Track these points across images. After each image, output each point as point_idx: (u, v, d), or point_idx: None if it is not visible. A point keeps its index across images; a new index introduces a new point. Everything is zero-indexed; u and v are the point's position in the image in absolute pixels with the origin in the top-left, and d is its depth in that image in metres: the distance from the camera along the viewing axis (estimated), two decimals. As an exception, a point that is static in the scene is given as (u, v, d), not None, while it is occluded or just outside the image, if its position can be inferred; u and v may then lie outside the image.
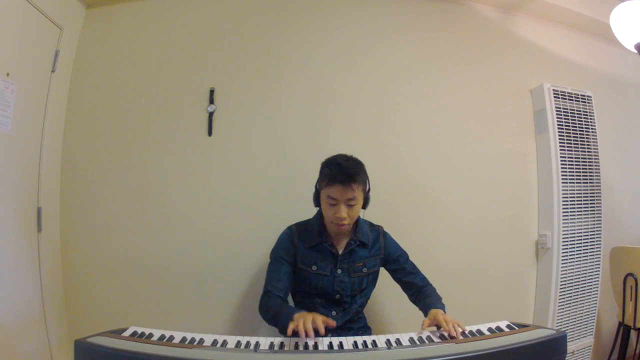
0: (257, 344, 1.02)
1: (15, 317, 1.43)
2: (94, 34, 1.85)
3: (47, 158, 1.65)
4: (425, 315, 1.23)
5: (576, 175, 1.97)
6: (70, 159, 1.77)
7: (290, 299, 1.46)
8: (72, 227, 1.74)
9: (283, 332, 1.12)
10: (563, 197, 1.92)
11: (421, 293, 1.36)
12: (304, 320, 1.03)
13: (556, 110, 1.96)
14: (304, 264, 1.36)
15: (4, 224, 1.43)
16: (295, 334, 1.02)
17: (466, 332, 1.10)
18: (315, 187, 1.35)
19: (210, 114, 1.81)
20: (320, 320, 1.04)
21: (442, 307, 1.26)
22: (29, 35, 1.54)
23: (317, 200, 1.35)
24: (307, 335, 1.00)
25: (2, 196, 1.43)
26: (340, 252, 1.36)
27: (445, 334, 1.08)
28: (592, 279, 1.98)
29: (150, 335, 1.04)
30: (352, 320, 1.41)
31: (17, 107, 1.47)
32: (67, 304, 1.71)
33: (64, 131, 1.77)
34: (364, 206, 1.34)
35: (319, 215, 1.39)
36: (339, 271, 1.36)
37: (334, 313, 1.37)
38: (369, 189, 1.34)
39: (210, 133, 1.80)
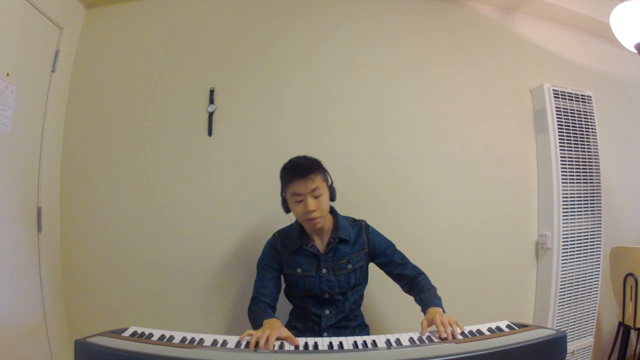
0: (257, 344, 1.02)
1: (16, 317, 1.43)
2: (94, 34, 1.85)
3: (47, 158, 1.65)
4: (423, 311, 1.23)
5: (576, 175, 1.97)
6: (70, 159, 1.77)
7: (285, 303, 1.48)
8: (72, 227, 1.74)
9: None
10: (563, 197, 1.92)
11: (414, 285, 1.35)
12: (259, 336, 1.02)
13: (556, 110, 1.96)
14: (289, 268, 1.38)
15: (4, 224, 1.43)
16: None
17: (465, 332, 1.10)
18: (281, 195, 1.38)
19: (210, 114, 1.81)
20: (272, 339, 1.02)
21: (439, 301, 1.24)
22: (29, 35, 1.54)
23: (286, 207, 1.37)
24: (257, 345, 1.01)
25: (2, 196, 1.43)
26: (322, 251, 1.37)
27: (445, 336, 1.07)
28: (592, 279, 1.98)
29: (150, 335, 1.04)
30: (348, 318, 1.40)
31: (17, 107, 1.47)
32: (67, 304, 1.72)
33: (64, 131, 1.77)
34: (332, 198, 1.36)
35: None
36: (324, 271, 1.36)
37: (327, 312, 1.37)
38: (331, 182, 1.37)
39: (210, 133, 1.80)
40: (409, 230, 1.84)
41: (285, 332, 1.08)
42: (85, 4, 1.85)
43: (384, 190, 1.85)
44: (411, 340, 1.06)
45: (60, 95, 1.75)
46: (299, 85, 1.88)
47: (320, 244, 1.38)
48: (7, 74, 1.43)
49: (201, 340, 1.03)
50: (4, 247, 1.42)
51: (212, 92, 1.82)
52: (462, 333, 1.08)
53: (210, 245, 1.75)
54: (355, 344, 1.05)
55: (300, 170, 1.27)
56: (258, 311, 1.26)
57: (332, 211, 1.40)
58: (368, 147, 1.87)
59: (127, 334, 1.03)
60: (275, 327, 1.08)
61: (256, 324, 1.21)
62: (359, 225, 1.44)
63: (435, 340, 1.06)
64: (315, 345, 1.05)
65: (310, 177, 1.26)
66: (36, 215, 1.60)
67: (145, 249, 1.74)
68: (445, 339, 1.05)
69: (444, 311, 1.20)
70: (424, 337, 1.08)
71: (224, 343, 1.02)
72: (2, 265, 1.40)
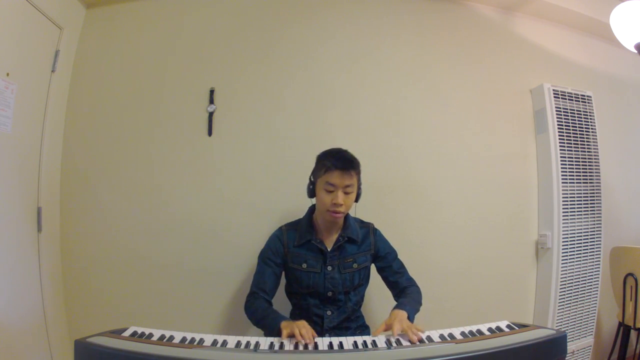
0: (257, 344, 1.02)
1: (15, 317, 1.43)
2: (94, 34, 1.85)
3: (47, 158, 1.65)
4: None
5: (576, 175, 1.97)
6: (70, 159, 1.77)
7: (284, 300, 1.48)
8: (72, 227, 1.74)
9: (268, 335, 1.16)
10: (563, 197, 1.92)
11: (403, 294, 1.36)
12: (299, 327, 1.08)
13: (556, 110, 1.96)
14: (294, 263, 1.38)
15: (4, 224, 1.43)
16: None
17: (466, 331, 1.09)
18: (310, 178, 1.38)
19: (210, 114, 1.81)
20: (310, 332, 1.08)
21: (410, 308, 1.23)
22: (29, 35, 1.54)
23: (311, 191, 1.37)
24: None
25: (2, 196, 1.43)
26: (329, 248, 1.37)
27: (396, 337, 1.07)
28: (592, 279, 1.98)
29: (150, 335, 1.04)
30: (349, 319, 1.41)
31: (17, 107, 1.47)
32: (67, 304, 1.71)
33: (64, 131, 1.77)
34: (357, 199, 1.37)
35: (309, 213, 1.42)
36: (329, 268, 1.36)
37: (328, 312, 1.37)
38: (360, 184, 1.38)
39: (210, 133, 1.80)
40: (409, 230, 1.84)
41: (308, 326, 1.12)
42: (85, 4, 1.85)
43: (384, 191, 1.85)
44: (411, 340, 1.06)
45: (60, 95, 1.75)
46: (299, 86, 1.88)
47: (328, 241, 1.39)
48: (7, 74, 1.43)
49: (201, 340, 1.03)
50: (4, 247, 1.42)
51: (212, 92, 1.82)
52: (462, 333, 1.08)
53: (210, 245, 1.75)
54: (355, 344, 1.05)
55: (344, 162, 1.28)
56: (264, 310, 1.27)
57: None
58: (368, 147, 1.86)
59: (127, 334, 1.03)
60: (300, 322, 1.11)
61: (266, 322, 1.22)
62: (367, 228, 1.46)
63: (435, 340, 1.06)
64: (315, 346, 1.05)
65: (350, 172, 1.27)
66: (36, 215, 1.59)
67: (145, 249, 1.74)
68: (445, 338, 1.05)
69: (411, 318, 1.18)
70: (423, 337, 1.08)
71: (224, 343, 1.02)
72: (2, 265, 1.40)
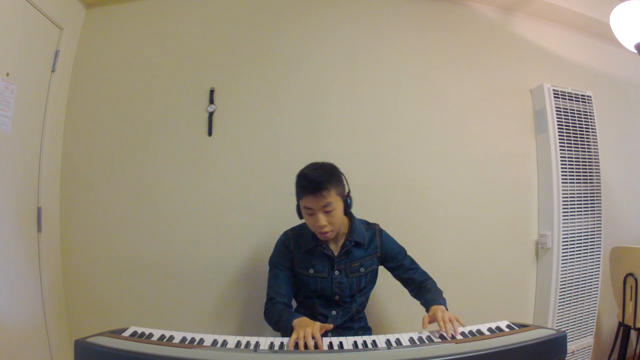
0: (257, 344, 1.01)
1: (15, 317, 1.43)
2: (94, 34, 1.85)
3: (47, 158, 1.65)
4: (427, 310, 1.24)
5: (576, 175, 1.97)
6: (70, 159, 1.77)
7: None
8: (72, 227, 1.74)
9: (286, 336, 1.14)
10: (563, 197, 1.92)
11: (422, 288, 1.36)
12: (305, 334, 1.03)
13: (556, 110, 1.96)
14: (302, 268, 1.37)
15: (4, 224, 1.43)
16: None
17: (465, 332, 1.10)
18: (297, 200, 1.34)
19: (210, 114, 1.81)
20: (318, 333, 1.04)
21: (444, 302, 1.26)
22: (29, 35, 1.54)
23: (299, 212, 1.34)
24: (306, 347, 1.02)
25: (2, 196, 1.43)
26: (336, 253, 1.36)
27: (445, 334, 1.08)
28: (592, 279, 1.98)
29: (150, 335, 1.04)
30: (353, 319, 1.41)
31: (17, 107, 1.47)
32: (67, 304, 1.71)
33: (64, 131, 1.77)
34: (347, 210, 1.32)
35: None
36: (337, 273, 1.36)
37: (333, 312, 1.37)
38: (348, 191, 1.32)
39: (210, 133, 1.80)
40: (409, 230, 1.84)
41: (319, 324, 1.08)
42: (85, 4, 1.85)
43: (384, 190, 1.85)
44: (411, 340, 1.06)
45: (60, 95, 1.75)
46: (299, 86, 1.88)
47: (334, 246, 1.38)
48: (7, 74, 1.43)
49: (201, 340, 1.03)
50: (4, 247, 1.42)
51: (212, 92, 1.82)
52: (462, 333, 1.08)
53: (210, 246, 1.75)
54: (355, 344, 1.05)
55: (312, 186, 1.21)
56: (280, 312, 1.25)
57: (348, 213, 1.37)
58: (367, 147, 1.87)
59: (127, 334, 1.03)
60: (312, 324, 1.08)
61: (281, 324, 1.21)
62: (373, 229, 1.44)
63: (435, 340, 1.06)
64: (315, 345, 1.05)
65: (322, 193, 1.20)
66: (36, 215, 1.59)
67: (145, 249, 1.74)
68: (446, 338, 1.05)
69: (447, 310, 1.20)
70: (423, 337, 1.08)
71: (224, 343, 1.02)
72: (2, 265, 1.40)
